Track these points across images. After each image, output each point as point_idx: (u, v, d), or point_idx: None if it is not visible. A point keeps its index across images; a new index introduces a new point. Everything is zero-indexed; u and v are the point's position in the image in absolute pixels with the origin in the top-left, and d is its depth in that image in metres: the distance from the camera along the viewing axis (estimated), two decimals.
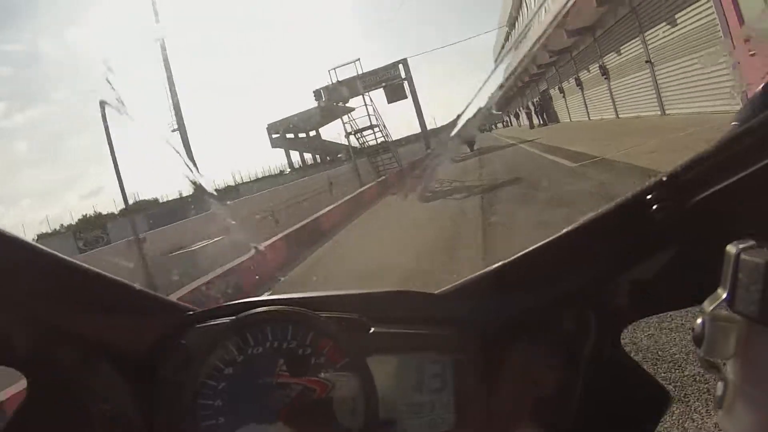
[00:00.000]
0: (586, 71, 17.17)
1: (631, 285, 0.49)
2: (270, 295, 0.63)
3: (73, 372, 0.55)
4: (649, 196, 0.43)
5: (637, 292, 0.48)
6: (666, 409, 0.52)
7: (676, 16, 10.00)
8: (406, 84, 26.87)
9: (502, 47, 32.98)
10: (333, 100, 22.43)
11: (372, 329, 0.58)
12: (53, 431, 0.55)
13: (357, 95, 21.24)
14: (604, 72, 15.09)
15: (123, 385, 0.58)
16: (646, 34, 11.58)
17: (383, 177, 16.41)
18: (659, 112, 12.10)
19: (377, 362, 0.57)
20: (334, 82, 21.73)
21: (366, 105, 20.21)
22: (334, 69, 21.66)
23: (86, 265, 0.54)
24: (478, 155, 14.98)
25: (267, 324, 0.58)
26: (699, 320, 0.33)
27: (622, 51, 13.49)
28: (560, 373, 0.55)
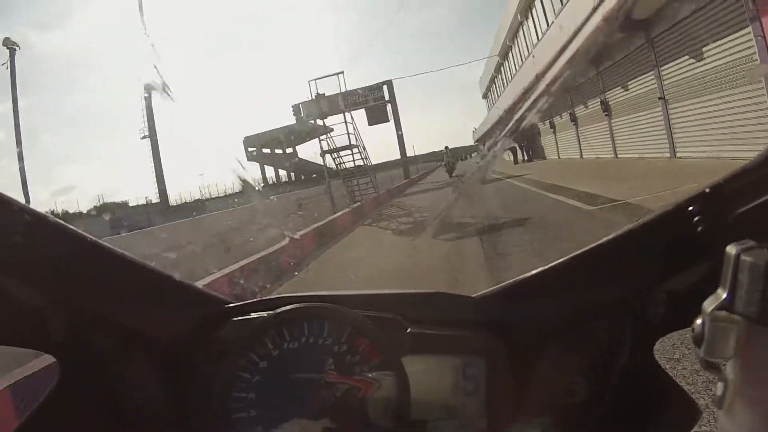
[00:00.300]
0: (583, 106, 16.07)
1: (668, 296, 0.48)
2: None
3: (107, 359, 0.55)
4: (691, 208, 0.43)
5: (674, 303, 0.47)
6: (694, 423, 0.50)
7: (704, 50, 8.83)
8: (389, 107, 25.76)
9: (491, 79, 32.32)
10: (312, 116, 20.72)
11: (408, 329, 0.58)
12: (83, 416, 0.54)
13: (337, 112, 19.65)
14: (606, 108, 13.96)
15: (157, 373, 0.57)
16: (662, 68, 10.43)
17: (359, 203, 14.65)
18: (668, 155, 10.88)
19: (412, 362, 0.56)
20: (314, 94, 20.04)
21: (346, 122, 18.62)
22: (315, 80, 19.99)
23: (127, 254, 0.54)
24: (481, 184, 13.56)
25: (304, 320, 0.58)
26: (699, 321, 0.33)
27: (629, 86, 12.37)
28: (592, 381, 0.54)
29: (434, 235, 7.50)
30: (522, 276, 0.57)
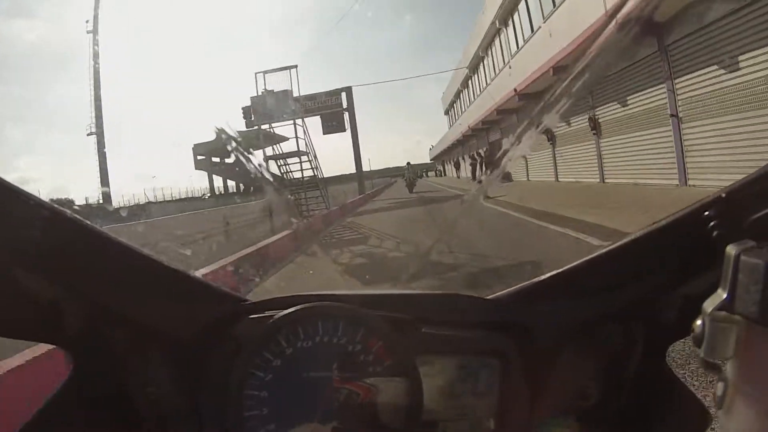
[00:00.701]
0: (564, 124, 14.40)
1: (682, 301, 0.48)
2: None
3: (120, 354, 0.54)
4: (706, 213, 0.42)
5: (688, 308, 0.46)
6: (706, 429, 0.49)
7: (739, 59, 7.15)
8: (346, 115, 23.44)
9: (456, 93, 30.91)
10: (261, 115, 17.85)
11: (422, 330, 0.58)
12: (95, 411, 0.54)
13: (288, 115, 16.95)
14: (594, 126, 12.30)
15: (170, 369, 0.57)
16: (677, 81, 8.75)
17: (306, 220, 12.05)
18: (677, 182, 9.20)
19: (425, 363, 0.56)
20: (261, 90, 17.23)
21: (295, 125, 16.01)
22: (263, 73, 17.18)
23: (143, 250, 0.53)
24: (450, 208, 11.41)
25: (318, 318, 0.57)
26: (699, 321, 0.33)
27: (629, 101, 10.71)
28: (604, 384, 0.54)
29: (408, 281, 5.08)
30: (537, 278, 0.57)
